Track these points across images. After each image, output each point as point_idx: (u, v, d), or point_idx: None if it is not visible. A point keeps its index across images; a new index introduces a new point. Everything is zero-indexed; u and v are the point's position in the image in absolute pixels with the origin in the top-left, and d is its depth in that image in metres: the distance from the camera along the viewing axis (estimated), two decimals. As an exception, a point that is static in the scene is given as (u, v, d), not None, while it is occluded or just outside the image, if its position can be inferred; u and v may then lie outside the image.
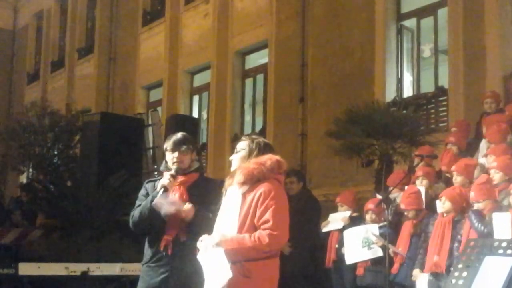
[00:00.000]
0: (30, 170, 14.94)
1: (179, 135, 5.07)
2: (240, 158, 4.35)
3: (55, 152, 14.22)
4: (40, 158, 13.79)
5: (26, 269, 7.37)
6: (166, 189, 4.87)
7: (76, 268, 7.44)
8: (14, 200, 12.98)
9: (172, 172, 4.93)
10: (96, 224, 10.69)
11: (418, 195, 7.41)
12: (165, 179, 4.91)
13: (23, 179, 16.51)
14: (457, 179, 7.27)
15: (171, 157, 4.99)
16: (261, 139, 4.50)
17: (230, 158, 4.44)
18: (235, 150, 4.42)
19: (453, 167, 7.46)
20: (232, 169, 4.39)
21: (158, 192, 4.86)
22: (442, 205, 6.86)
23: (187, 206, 4.79)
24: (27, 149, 13.99)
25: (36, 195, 12.33)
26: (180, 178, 4.96)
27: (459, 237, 6.64)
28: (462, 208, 6.79)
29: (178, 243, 4.84)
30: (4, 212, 12.04)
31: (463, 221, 6.74)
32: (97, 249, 9.43)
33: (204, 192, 4.95)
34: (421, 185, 7.62)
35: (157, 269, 4.86)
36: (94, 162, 11.73)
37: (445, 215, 6.84)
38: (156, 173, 11.65)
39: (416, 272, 6.95)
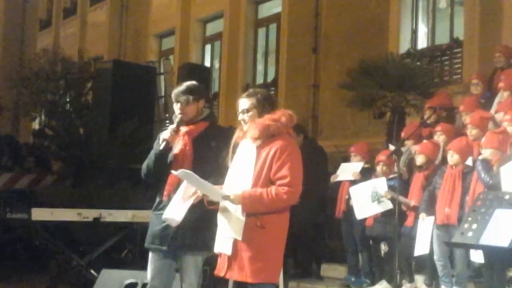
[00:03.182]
0: (43, 116, 15.00)
1: (183, 84, 5.03)
2: (251, 117, 4.36)
3: (67, 99, 14.24)
4: (52, 105, 13.81)
5: (39, 214, 7.44)
6: (168, 143, 4.88)
7: (88, 214, 7.49)
8: (27, 146, 13.07)
9: (173, 125, 4.92)
10: (108, 171, 10.78)
11: (435, 146, 7.41)
12: (167, 132, 4.91)
13: (36, 125, 16.60)
14: (472, 132, 7.26)
15: (175, 108, 4.98)
16: (264, 91, 4.52)
17: (239, 118, 4.42)
18: (240, 109, 4.41)
19: (468, 120, 7.45)
20: (244, 129, 4.38)
21: (160, 146, 4.87)
22: (451, 158, 6.90)
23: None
24: (39, 95, 14.01)
25: (49, 142, 12.43)
26: (186, 128, 4.94)
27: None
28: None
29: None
30: (19, 156, 12.14)
31: (473, 173, 6.77)
32: (109, 195, 9.52)
33: (213, 141, 4.91)
34: (439, 140, 7.61)
35: (160, 217, 4.88)
36: (106, 110, 11.77)
37: (454, 167, 6.86)
38: (167, 122, 11.69)
39: (422, 215, 7.00)
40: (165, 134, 4.90)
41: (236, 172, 4.38)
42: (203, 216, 4.70)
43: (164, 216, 4.73)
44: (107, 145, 11.16)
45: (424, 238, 6.89)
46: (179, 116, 4.93)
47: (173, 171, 4.50)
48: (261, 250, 4.21)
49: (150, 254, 4.99)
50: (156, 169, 4.92)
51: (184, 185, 4.69)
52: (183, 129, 4.95)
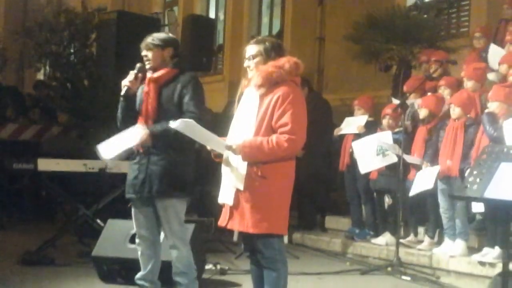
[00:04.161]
0: (47, 68, 14.94)
1: (152, 34, 5.12)
2: (257, 64, 4.31)
3: (72, 51, 14.17)
4: (57, 56, 13.74)
5: (45, 165, 7.47)
6: (129, 88, 4.98)
7: (94, 165, 7.52)
8: (31, 98, 13.06)
9: (134, 70, 5.01)
10: (113, 122, 10.77)
11: (438, 100, 7.41)
12: (127, 79, 5.00)
13: (40, 76, 16.55)
14: (468, 84, 7.31)
15: (143, 55, 5.06)
16: (272, 39, 4.47)
17: (245, 65, 4.38)
18: (246, 56, 4.36)
19: (462, 73, 7.48)
20: (250, 76, 4.34)
21: (122, 93, 4.99)
22: (453, 111, 6.94)
23: (142, 133, 4.82)
24: (44, 47, 13.93)
25: (54, 93, 12.41)
26: (152, 76, 5.00)
27: (472, 141, 6.71)
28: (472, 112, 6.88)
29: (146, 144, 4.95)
30: (23, 107, 12.14)
31: (475, 125, 6.79)
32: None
33: (179, 87, 4.96)
34: (443, 95, 7.61)
35: (133, 167, 5.06)
36: (110, 61, 11.70)
37: (456, 120, 6.89)
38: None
39: (426, 164, 7.05)
40: (125, 81, 5.01)
41: (240, 121, 4.35)
42: (170, 164, 4.86)
43: (98, 146, 4.93)
44: (112, 96, 11.12)
45: (427, 178, 6.90)
46: (146, 63, 5.02)
47: (171, 122, 4.42)
48: (263, 200, 4.17)
49: (132, 205, 5.12)
50: (123, 116, 5.05)
51: (135, 129, 4.82)
52: (151, 76, 5.01)
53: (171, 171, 4.88)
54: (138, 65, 5.06)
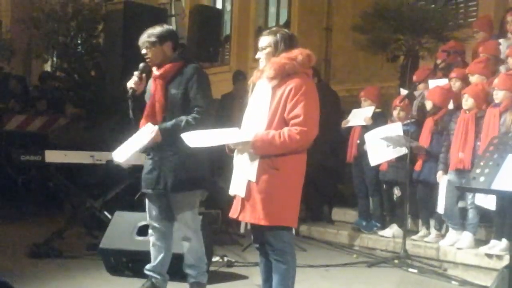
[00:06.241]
0: (54, 59, 14.94)
1: (146, 31, 5.06)
2: (266, 55, 4.31)
3: (79, 42, 14.17)
4: (64, 47, 13.74)
5: (52, 156, 7.47)
6: (134, 90, 4.98)
7: (101, 157, 7.51)
8: (38, 89, 13.06)
9: (137, 72, 5.01)
10: (120, 113, 10.78)
11: (443, 92, 7.37)
12: (131, 80, 5.00)
13: (48, 67, 16.55)
14: (472, 79, 7.29)
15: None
16: (284, 31, 4.44)
17: (257, 56, 4.40)
18: (259, 47, 4.37)
19: (466, 70, 7.46)
20: (260, 67, 4.35)
21: (128, 95, 5.00)
22: (465, 102, 6.89)
23: (152, 132, 4.83)
24: (51, 37, 13.93)
25: (60, 84, 12.40)
26: (157, 72, 4.99)
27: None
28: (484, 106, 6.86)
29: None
30: (29, 100, 12.14)
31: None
32: (122, 138, 9.54)
33: (184, 80, 4.95)
34: (454, 87, 7.56)
35: (147, 162, 5.13)
36: (118, 52, 11.70)
37: (467, 112, 6.84)
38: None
39: (439, 174, 7.05)
40: (130, 82, 5.00)
41: (252, 113, 4.34)
42: (182, 159, 4.86)
43: (113, 154, 5.00)
44: (119, 87, 11.12)
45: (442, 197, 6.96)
46: (148, 61, 5.01)
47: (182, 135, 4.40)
48: (275, 192, 4.16)
49: (146, 198, 5.18)
50: (134, 115, 5.10)
51: (141, 130, 4.86)
52: (156, 73, 5.02)
53: (184, 166, 4.91)
54: (141, 65, 5.04)
